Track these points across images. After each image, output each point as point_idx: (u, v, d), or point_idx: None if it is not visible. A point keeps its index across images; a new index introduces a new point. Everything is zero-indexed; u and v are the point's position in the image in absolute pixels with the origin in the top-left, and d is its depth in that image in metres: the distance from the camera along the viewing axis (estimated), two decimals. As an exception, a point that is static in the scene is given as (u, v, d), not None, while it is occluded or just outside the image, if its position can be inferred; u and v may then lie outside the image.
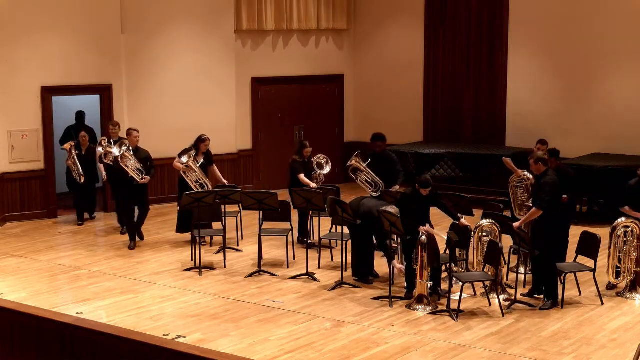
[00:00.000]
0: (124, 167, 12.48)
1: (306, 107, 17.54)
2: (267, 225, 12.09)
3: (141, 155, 12.73)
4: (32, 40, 14.29)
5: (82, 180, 13.84)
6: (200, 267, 11.46)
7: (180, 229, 12.84)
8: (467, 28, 16.60)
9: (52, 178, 14.65)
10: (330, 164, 12.67)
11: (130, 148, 12.62)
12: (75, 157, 13.89)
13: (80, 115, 15.49)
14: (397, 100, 17.59)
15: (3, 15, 14.05)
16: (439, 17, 16.95)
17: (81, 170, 13.84)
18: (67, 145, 13.97)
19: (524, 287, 10.42)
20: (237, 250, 12.56)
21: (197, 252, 11.53)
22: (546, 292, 10.04)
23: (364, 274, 11.01)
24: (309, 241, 12.34)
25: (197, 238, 11.75)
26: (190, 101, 15.93)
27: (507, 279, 10.72)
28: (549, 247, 9.87)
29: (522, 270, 10.67)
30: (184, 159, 12.48)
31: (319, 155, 12.63)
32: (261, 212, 11.69)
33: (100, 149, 13.25)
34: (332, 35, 17.72)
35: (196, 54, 15.99)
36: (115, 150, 12.60)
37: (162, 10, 15.57)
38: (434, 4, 16.98)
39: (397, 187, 12.10)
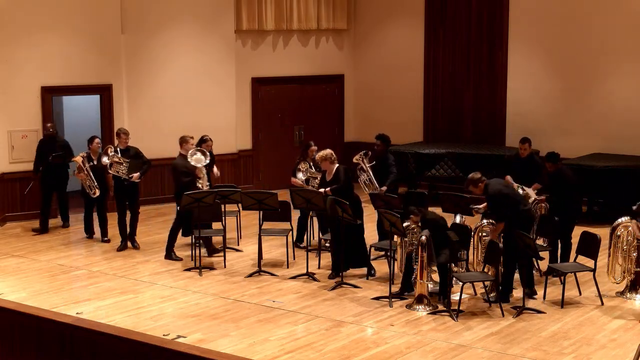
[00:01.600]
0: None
1: (306, 107, 17.54)
2: (267, 225, 12.08)
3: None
4: (32, 40, 14.29)
5: (97, 194, 12.81)
6: (200, 267, 11.46)
7: (186, 232, 12.57)
8: (467, 28, 16.60)
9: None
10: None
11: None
12: (89, 170, 12.76)
13: (48, 128, 13.80)
14: (397, 100, 17.59)
15: (3, 15, 14.05)
16: (439, 17, 16.95)
17: (96, 183, 12.77)
18: (78, 158, 12.79)
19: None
20: (237, 250, 12.56)
21: (197, 252, 11.54)
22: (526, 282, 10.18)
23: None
24: (302, 245, 12.33)
25: (194, 239, 11.74)
26: (190, 101, 15.93)
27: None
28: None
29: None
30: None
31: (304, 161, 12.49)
32: (261, 212, 11.68)
33: (105, 159, 12.40)
34: (332, 35, 17.72)
35: (196, 54, 15.99)
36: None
37: (162, 10, 15.57)
38: (434, 4, 16.97)
39: (384, 189, 12.12)
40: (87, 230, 13.39)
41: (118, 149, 12.58)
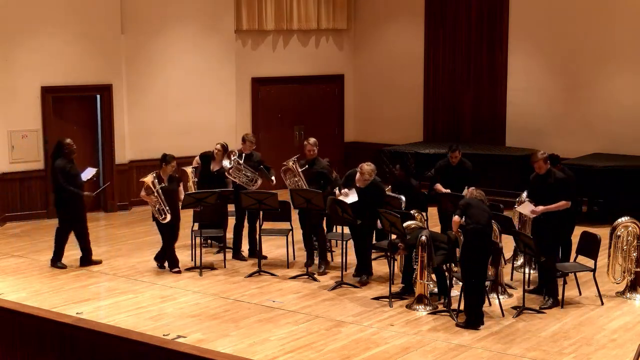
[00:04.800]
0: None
1: (306, 107, 17.54)
2: (267, 225, 12.08)
3: (320, 165, 11.82)
4: (32, 40, 14.29)
5: (168, 219, 11.26)
6: (201, 267, 11.44)
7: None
8: (467, 28, 16.60)
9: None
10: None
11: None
12: (160, 192, 11.25)
13: (70, 145, 11.81)
14: (397, 100, 17.59)
15: (3, 15, 14.05)
16: (439, 17, 16.95)
17: (167, 207, 11.24)
18: (148, 179, 11.26)
19: (528, 286, 10.38)
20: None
21: (198, 252, 11.53)
22: (547, 291, 10.04)
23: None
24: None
25: (199, 239, 11.74)
26: (190, 101, 15.93)
27: (511, 279, 10.76)
28: (550, 247, 9.86)
29: (526, 269, 10.62)
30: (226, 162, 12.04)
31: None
32: (261, 212, 11.68)
33: (227, 163, 11.85)
34: (332, 35, 17.72)
35: (196, 54, 16.00)
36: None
37: (162, 10, 15.58)
38: (434, 3, 16.98)
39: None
40: (158, 257, 11.74)
41: (243, 155, 12.16)
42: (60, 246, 11.81)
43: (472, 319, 9.32)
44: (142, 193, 11.41)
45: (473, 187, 10.05)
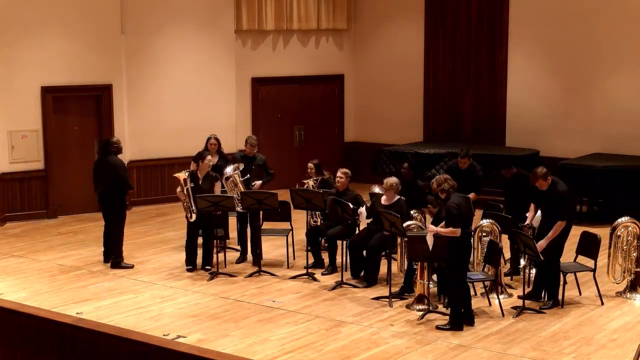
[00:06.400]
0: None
1: (306, 107, 17.54)
2: (267, 225, 12.08)
3: (351, 195, 11.31)
4: (32, 40, 14.29)
5: (194, 218, 11.29)
6: (216, 272, 11.29)
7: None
8: (467, 28, 16.60)
9: (52, 178, 14.61)
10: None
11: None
12: (190, 190, 11.25)
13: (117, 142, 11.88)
14: (397, 100, 17.59)
15: (3, 15, 14.05)
16: (439, 17, 16.95)
17: (194, 206, 11.24)
18: (180, 175, 11.34)
19: (529, 286, 10.37)
20: (238, 250, 12.53)
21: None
22: (548, 292, 10.03)
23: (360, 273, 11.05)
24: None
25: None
26: (190, 101, 15.93)
27: (511, 279, 10.76)
28: (553, 249, 9.84)
29: (529, 271, 10.60)
30: (229, 170, 11.90)
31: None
32: (261, 212, 11.68)
33: (229, 170, 11.80)
34: (332, 35, 17.72)
35: (196, 54, 15.99)
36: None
37: (162, 10, 15.58)
38: (434, 3, 16.97)
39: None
40: (189, 261, 11.60)
41: (241, 167, 11.99)
42: (118, 245, 11.76)
43: (456, 320, 9.28)
44: (178, 189, 11.42)
45: (440, 175, 9.68)
